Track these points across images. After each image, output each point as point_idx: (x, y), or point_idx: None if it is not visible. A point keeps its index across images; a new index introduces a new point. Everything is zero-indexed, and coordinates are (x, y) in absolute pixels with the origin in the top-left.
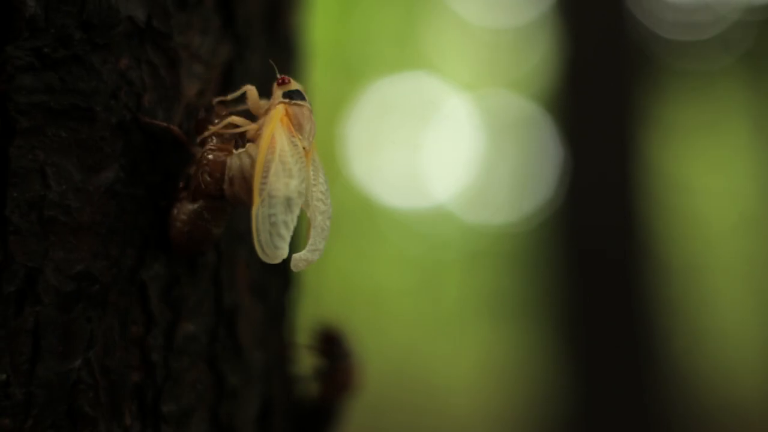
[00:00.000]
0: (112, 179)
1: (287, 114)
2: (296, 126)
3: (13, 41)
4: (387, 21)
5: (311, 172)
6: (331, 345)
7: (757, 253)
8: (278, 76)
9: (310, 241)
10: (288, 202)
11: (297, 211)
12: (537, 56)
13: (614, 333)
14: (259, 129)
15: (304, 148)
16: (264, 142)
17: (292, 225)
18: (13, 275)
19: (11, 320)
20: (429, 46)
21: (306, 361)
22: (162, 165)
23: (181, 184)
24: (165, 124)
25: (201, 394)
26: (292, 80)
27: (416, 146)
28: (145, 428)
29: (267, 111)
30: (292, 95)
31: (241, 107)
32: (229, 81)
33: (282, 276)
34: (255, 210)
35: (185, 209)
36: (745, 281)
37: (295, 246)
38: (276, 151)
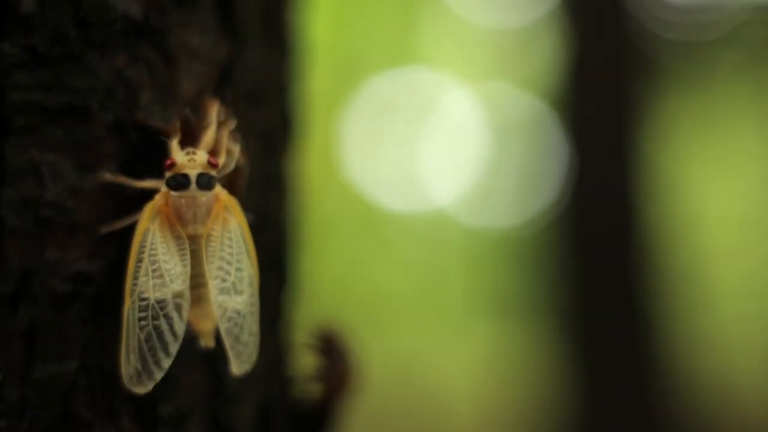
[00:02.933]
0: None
1: (167, 204)
2: (176, 216)
3: (8, 38)
4: (387, 19)
5: (209, 259)
6: (331, 345)
7: (762, 254)
8: (167, 158)
9: (230, 351)
10: (160, 306)
11: (176, 317)
12: (539, 56)
13: (617, 335)
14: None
15: (191, 236)
16: (136, 238)
17: (169, 337)
18: (9, 276)
19: (6, 321)
20: (431, 45)
21: (305, 362)
22: (159, 164)
23: None
24: (162, 123)
25: (200, 396)
26: (177, 160)
27: (417, 146)
28: (142, 431)
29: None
30: (177, 182)
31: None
32: (227, 79)
33: (278, 276)
34: (126, 312)
35: None
36: (750, 282)
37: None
38: (147, 249)
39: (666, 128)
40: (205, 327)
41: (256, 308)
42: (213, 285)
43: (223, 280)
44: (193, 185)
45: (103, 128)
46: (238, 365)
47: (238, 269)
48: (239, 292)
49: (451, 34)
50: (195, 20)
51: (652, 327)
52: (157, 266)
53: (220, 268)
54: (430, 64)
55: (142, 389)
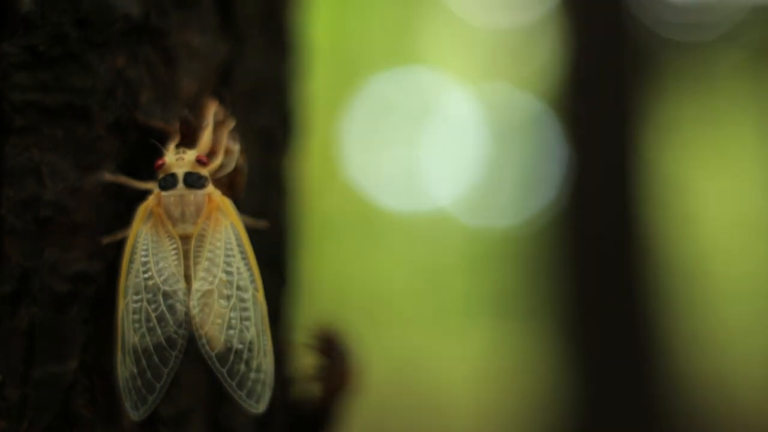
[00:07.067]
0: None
1: (159, 204)
2: (167, 215)
3: (8, 38)
4: (387, 19)
5: (196, 260)
6: (331, 345)
7: (762, 254)
8: (158, 159)
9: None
10: (153, 308)
11: (170, 320)
12: (539, 56)
13: (617, 334)
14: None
15: (182, 236)
16: (128, 240)
17: (165, 342)
18: (9, 275)
19: (6, 321)
20: (431, 45)
21: (305, 362)
22: None
23: None
24: (162, 124)
25: (200, 396)
26: (166, 160)
27: (417, 146)
28: (142, 431)
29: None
30: (165, 182)
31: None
32: (227, 79)
33: (278, 276)
34: (120, 315)
35: None
36: (750, 282)
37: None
38: (138, 250)
39: (666, 128)
40: (208, 331)
41: (250, 313)
42: (197, 287)
43: (210, 283)
44: (180, 184)
45: (103, 128)
46: (248, 403)
47: (226, 272)
48: (225, 297)
49: (451, 34)
50: (195, 20)
51: (652, 326)
52: (148, 267)
53: (207, 270)
54: (430, 65)
55: (141, 406)
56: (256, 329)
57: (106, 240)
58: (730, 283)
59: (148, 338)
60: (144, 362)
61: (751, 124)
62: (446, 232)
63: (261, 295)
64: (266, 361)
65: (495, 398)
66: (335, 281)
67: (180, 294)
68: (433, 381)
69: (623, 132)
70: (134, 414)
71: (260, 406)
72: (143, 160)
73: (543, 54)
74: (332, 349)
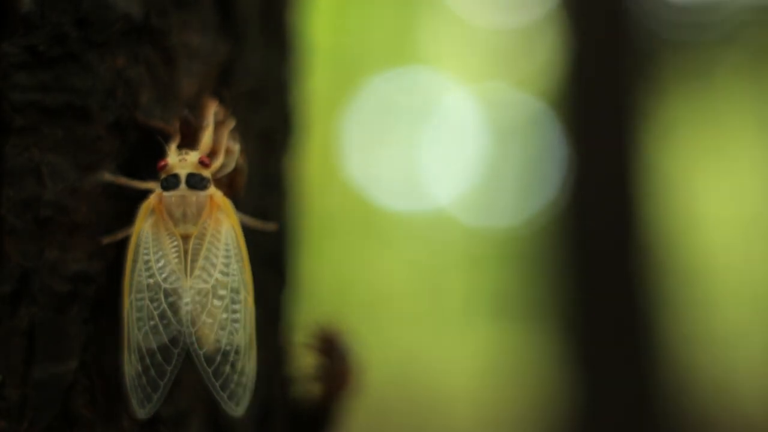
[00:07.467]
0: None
1: (161, 203)
2: (168, 215)
3: (8, 38)
4: (387, 19)
5: (193, 257)
6: (331, 345)
7: (762, 254)
8: (161, 161)
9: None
10: (155, 306)
11: (171, 318)
12: (539, 56)
13: (617, 335)
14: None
15: (183, 235)
16: (131, 238)
17: (166, 340)
18: (9, 275)
19: (6, 321)
20: (431, 45)
21: (305, 362)
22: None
23: None
24: (162, 124)
25: (199, 396)
26: (169, 161)
27: (417, 146)
28: (142, 431)
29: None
30: (168, 182)
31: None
32: (227, 79)
33: (278, 276)
34: (126, 312)
35: None
36: (750, 282)
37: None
38: (140, 249)
39: (666, 128)
40: (199, 330)
41: (240, 316)
42: (191, 285)
43: (205, 282)
44: (183, 185)
45: (103, 128)
46: (230, 405)
47: (222, 273)
48: (219, 297)
49: (451, 34)
50: (195, 20)
51: (652, 326)
52: (149, 265)
53: (203, 269)
54: (430, 65)
55: (147, 404)
56: (245, 332)
57: (106, 240)
58: (730, 282)
59: (151, 336)
60: (148, 360)
61: (751, 124)
62: (446, 232)
63: (251, 299)
64: (249, 366)
65: (495, 398)
66: (335, 281)
67: (182, 292)
68: (433, 381)
69: (623, 132)
70: (141, 412)
71: (239, 410)
72: (143, 160)
73: (543, 54)
74: (332, 349)
